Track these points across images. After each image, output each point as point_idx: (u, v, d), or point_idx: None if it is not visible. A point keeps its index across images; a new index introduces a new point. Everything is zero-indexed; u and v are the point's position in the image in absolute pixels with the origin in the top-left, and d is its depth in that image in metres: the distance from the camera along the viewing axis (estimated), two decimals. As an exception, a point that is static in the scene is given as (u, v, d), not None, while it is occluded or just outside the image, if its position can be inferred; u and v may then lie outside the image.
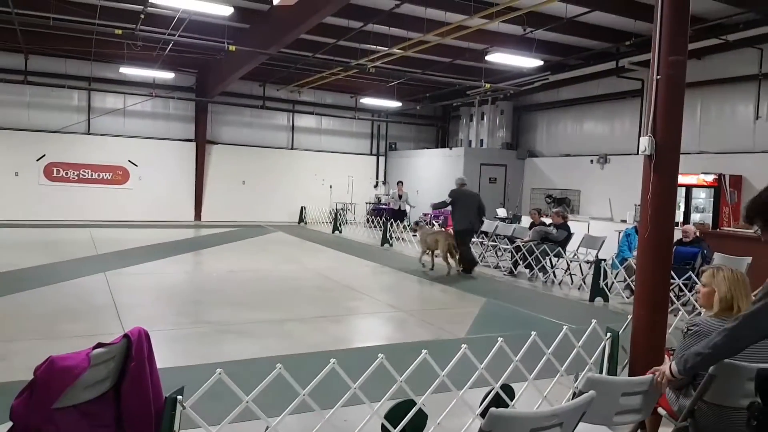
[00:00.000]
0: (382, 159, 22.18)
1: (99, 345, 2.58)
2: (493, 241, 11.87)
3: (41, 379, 2.34)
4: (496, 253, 11.71)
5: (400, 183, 16.20)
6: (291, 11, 10.21)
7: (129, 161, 17.63)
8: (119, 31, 11.65)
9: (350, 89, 19.87)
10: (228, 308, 7.39)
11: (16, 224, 15.06)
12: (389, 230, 14.26)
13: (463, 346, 3.68)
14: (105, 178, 17.45)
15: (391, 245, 14.15)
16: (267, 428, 3.14)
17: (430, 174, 19.53)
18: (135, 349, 2.70)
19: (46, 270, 9.14)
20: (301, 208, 19.65)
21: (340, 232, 16.89)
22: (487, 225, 12.75)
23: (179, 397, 2.68)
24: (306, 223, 19.42)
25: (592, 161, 15.89)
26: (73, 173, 17.09)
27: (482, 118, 19.38)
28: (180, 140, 18.52)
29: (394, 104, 19.33)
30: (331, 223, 17.93)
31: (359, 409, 3.56)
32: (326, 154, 20.80)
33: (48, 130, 16.76)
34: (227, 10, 10.22)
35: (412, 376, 3.49)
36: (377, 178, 22.05)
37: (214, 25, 13.03)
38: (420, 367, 3.52)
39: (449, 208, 10.88)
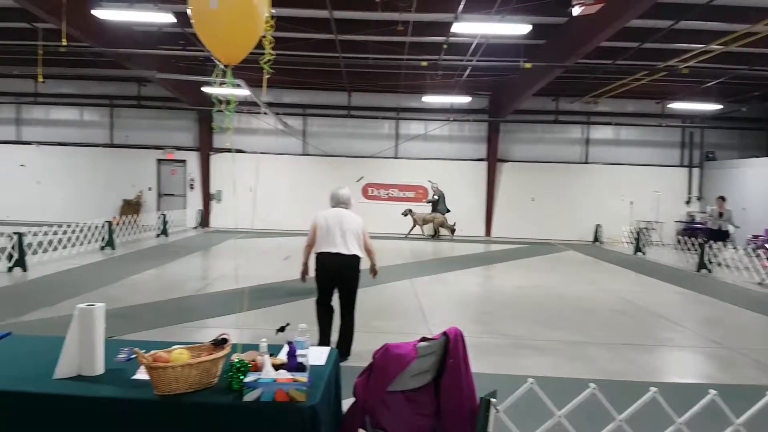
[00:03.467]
0: (696, 171, 19.47)
1: (423, 339, 2.78)
2: None
3: (378, 363, 2.63)
4: None
5: (720, 198, 13.78)
6: (590, 20, 9.79)
7: (428, 181, 19.25)
8: (425, 63, 12.85)
9: (655, 94, 18.06)
10: (521, 323, 7.36)
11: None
12: (707, 253, 12.34)
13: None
14: (409, 196, 19.43)
15: (709, 271, 12.23)
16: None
17: (763, 188, 16.28)
18: (452, 347, 2.84)
19: (362, 274, 10.49)
20: (596, 226, 18.53)
21: (643, 253, 15.34)
22: None
23: (493, 400, 2.70)
24: (601, 243, 18.23)
25: None
26: (384, 192, 19.49)
27: (838, 118, 15.37)
28: (473, 160, 19.44)
29: (712, 107, 16.79)
30: (631, 243, 16.46)
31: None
32: (626, 167, 19.22)
33: (364, 156, 19.47)
34: (525, 29, 10.37)
35: (751, 423, 2.87)
36: (690, 193, 19.40)
37: (509, 46, 13.35)
38: (762, 413, 2.87)
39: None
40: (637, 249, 15.54)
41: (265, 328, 6.12)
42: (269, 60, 2.81)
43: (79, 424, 2.31)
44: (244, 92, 14.02)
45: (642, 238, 15.76)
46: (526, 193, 19.25)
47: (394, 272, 10.88)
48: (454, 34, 11.72)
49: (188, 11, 2.86)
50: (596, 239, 18.45)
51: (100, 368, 2.57)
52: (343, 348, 5.43)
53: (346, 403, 2.92)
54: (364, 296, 8.48)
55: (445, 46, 12.69)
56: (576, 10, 8.24)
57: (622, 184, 19.07)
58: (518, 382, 4.28)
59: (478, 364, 5.39)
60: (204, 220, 19.20)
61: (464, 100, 17.43)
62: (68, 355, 2.51)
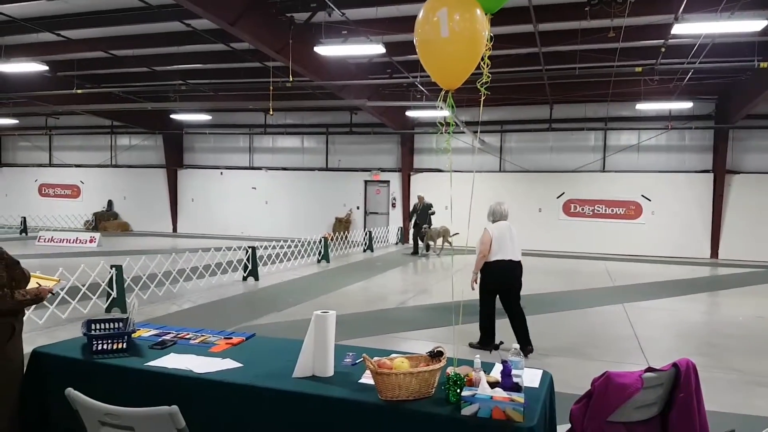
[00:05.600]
0: None
1: (649, 369, 2.56)
2: None
3: (598, 391, 2.49)
4: None
5: None
6: None
7: (642, 196, 17.64)
8: (639, 69, 11.88)
9: None
10: (758, 359, 6.37)
11: (539, 254, 17.17)
12: None
13: None
14: (618, 213, 17.99)
15: None
16: None
17: None
18: (683, 380, 2.57)
19: (568, 296, 10.02)
20: None
21: None
22: None
23: (736, 446, 2.37)
24: None
25: None
26: (588, 209, 18.34)
27: None
28: (695, 172, 17.32)
29: None
30: None
31: None
32: None
33: (566, 170, 18.59)
34: (759, 25, 9.03)
35: None
36: None
37: (740, 44, 11.72)
38: None
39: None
40: None
41: (462, 346, 6.20)
42: (486, 82, 2.86)
43: (312, 422, 2.57)
44: (444, 113, 14.47)
45: None
46: (763, 209, 16.53)
47: (604, 295, 10.21)
48: (674, 36, 10.63)
49: (415, 40, 3.03)
50: None
51: (330, 370, 2.85)
52: (529, 346, 6.07)
53: (561, 429, 2.81)
54: (574, 319, 8.12)
55: (662, 50, 11.60)
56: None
57: None
58: (755, 424, 3.71)
59: (705, 401, 4.79)
60: (404, 236, 20.14)
61: (685, 105, 15.72)
62: (305, 357, 2.83)
